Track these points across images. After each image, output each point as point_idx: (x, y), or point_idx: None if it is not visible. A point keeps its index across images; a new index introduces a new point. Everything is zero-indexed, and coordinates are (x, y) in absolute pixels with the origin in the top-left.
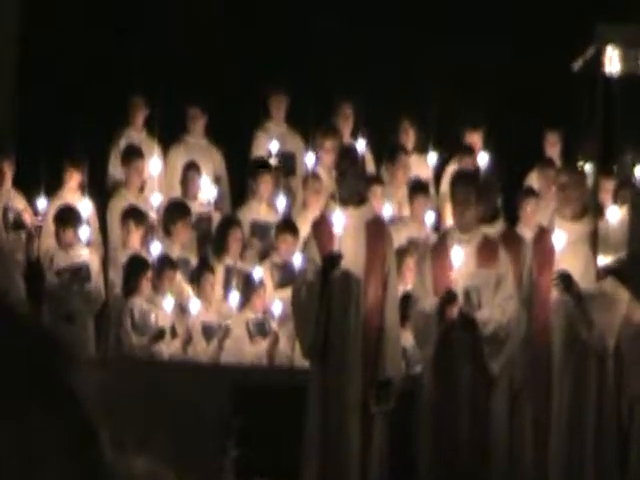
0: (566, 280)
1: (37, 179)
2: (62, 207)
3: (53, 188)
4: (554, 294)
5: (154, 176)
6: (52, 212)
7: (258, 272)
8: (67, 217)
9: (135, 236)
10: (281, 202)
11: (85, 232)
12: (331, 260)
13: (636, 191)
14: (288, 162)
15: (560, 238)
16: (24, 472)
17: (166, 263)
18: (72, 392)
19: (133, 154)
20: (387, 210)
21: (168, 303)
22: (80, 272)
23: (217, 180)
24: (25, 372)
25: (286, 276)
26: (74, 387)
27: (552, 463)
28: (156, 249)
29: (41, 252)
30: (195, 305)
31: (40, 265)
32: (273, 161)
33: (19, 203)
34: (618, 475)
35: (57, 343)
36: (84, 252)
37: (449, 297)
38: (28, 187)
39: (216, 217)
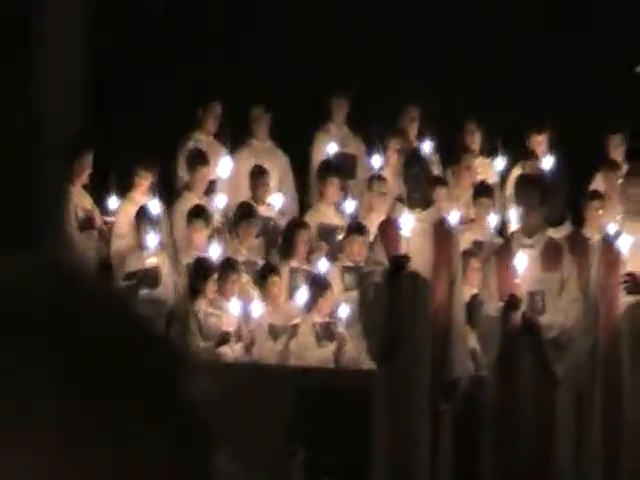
0: (635, 281)
1: (107, 179)
2: (139, 209)
3: (123, 189)
4: (622, 296)
5: (222, 178)
6: (123, 213)
7: (326, 274)
8: (142, 219)
9: (201, 236)
10: (349, 205)
11: (156, 236)
12: (400, 262)
13: None
14: (348, 164)
15: (626, 241)
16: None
17: (231, 266)
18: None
19: (198, 158)
20: (454, 213)
21: (234, 306)
22: (149, 275)
23: (283, 183)
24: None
25: (356, 279)
26: (189, 395)
27: (622, 469)
28: (216, 252)
29: (112, 252)
30: (257, 308)
31: (110, 265)
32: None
33: (87, 203)
34: None
35: (176, 351)
36: (155, 256)
37: (513, 302)
38: (98, 187)
39: (282, 222)
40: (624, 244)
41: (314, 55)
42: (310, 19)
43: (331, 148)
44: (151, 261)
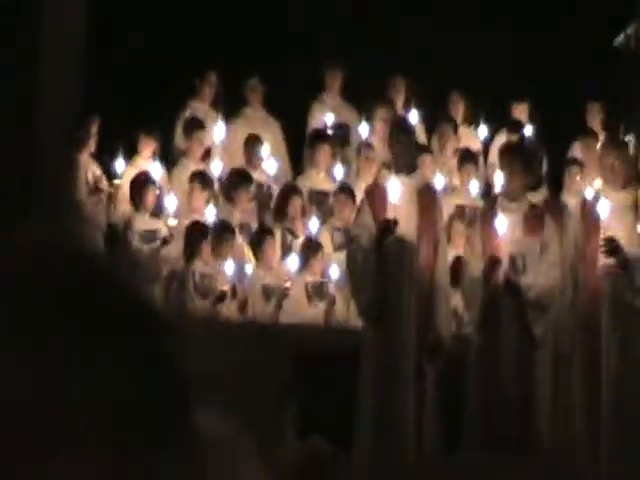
0: (613, 246)
1: (114, 145)
2: (139, 173)
3: (129, 156)
4: (601, 260)
5: (217, 145)
6: (128, 177)
7: (317, 235)
8: (144, 182)
9: (200, 199)
10: (338, 171)
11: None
12: (387, 226)
13: None
14: (343, 133)
15: (605, 206)
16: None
17: (225, 228)
18: (169, 358)
19: (195, 125)
20: (438, 179)
21: (229, 266)
22: (155, 236)
23: (276, 150)
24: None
25: (346, 239)
26: (171, 353)
27: (603, 422)
28: (212, 214)
29: (118, 213)
30: (253, 267)
31: (118, 227)
32: (329, 132)
33: (95, 169)
34: None
35: (153, 310)
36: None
37: (493, 263)
38: (105, 153)
39: (275, 187)
40: (603, 209)
41: (310, 27)
42: None
43: (328, 118)
44: (172, 223)
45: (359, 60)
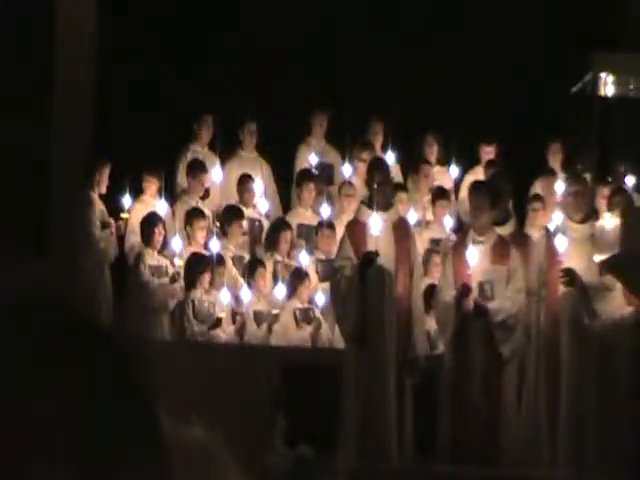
0: (571, 275)
1: (122, 184)
2: (148, 213)
3: (135, 193)
4: (562, 287)
5: (216, 184)
6: (135, 213)
7: (305, 266)
8: (153, 222)
9: (199, 233)
10: (323, 207)
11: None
12: (369, 257)
13: (628, 198)
14: (327, 172)
15: (564, 238)
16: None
17: (218, 261)
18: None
19: (197, 167)
20: (412, 214)
21: (224, 295)
22: (162, 271)
23: (267, 188)
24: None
25: (329, 270)
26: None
27: (563, 430)
28: (215, 247)
29: (126, 248)
30: (246, 295)
31: (126, 259)
32: (314, 172)
33: (103, 209)
34: (616, 439)
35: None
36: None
37: (464, 290)
38: (114, 191)
39: (266, 222)
40: (562, 241)
41: (296, 76)
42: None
43: (312, 159)
44: (178, 262)
45: (341, 106)
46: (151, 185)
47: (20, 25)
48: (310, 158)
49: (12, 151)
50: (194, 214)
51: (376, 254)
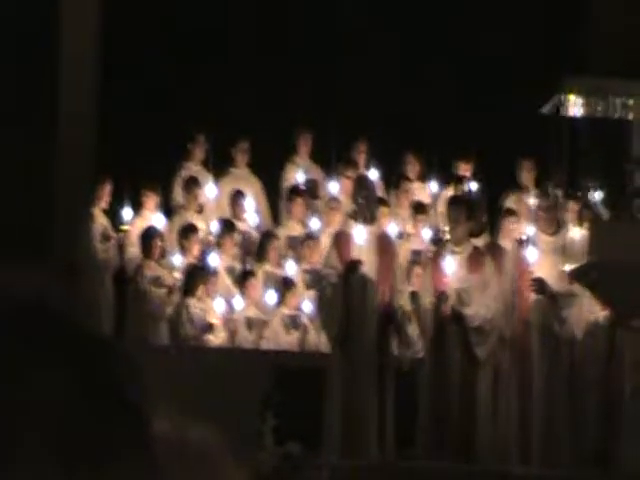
0: (541, 284)
1: (122, 199)
2: (147, 227)
3: (135, 207)
4: (532, 295)
5: (210, 200)
6: (134, 227)
7: (292, 275)
8: (151, 236)
9: (194, 247)
10: (313, 222)
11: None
12: (353, 266)
13: (595, 212)
14: (313, 188)
15: (535, 250)
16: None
17: (211, 271)
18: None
19: (192, 183)
20: (392, 227)
21: (218, 303)
22: (160, 281)
23: (257, 203)
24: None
25: (314, 278)
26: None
27: (534, 429)
28: (213, 259)
29: (126, 259)
30: (239, 303)
31: (126, 270)
32: (302, 187)
33: (104, 223)
34: (582, 436)
35: (103, 342)
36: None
37: (442, 297)
38: (114, 205)
39: (257, 235)
40: (533, 252)
41: (283, 100)
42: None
43: (300, 176)
44: (177, 275)
45: (326, 127)
46: (150, 200)
47: (24, 45)
48: (297, 176)
49: (18, 166)
50: (189, 229)
51: (359, 262)
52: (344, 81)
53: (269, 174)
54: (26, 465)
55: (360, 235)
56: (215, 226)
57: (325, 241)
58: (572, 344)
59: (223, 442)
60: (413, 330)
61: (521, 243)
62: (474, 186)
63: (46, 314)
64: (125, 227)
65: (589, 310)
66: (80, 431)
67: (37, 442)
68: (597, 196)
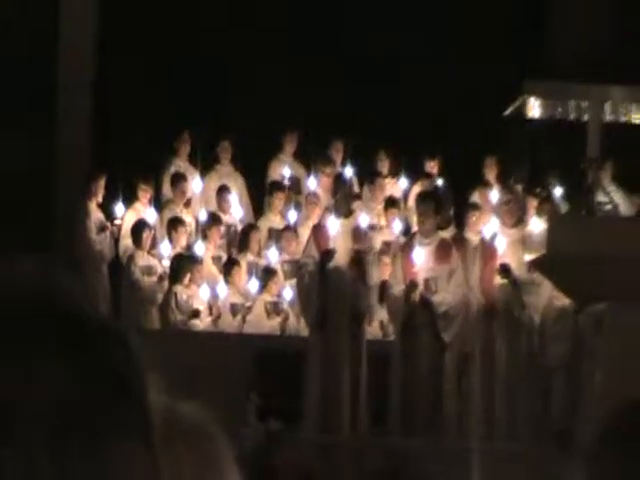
0: (506, 270)
1: (115, 193)
2: (138, 220)
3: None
4: (497, 282)
5: (196, 195)
6: (128, 219)
7: (273, 264)
8: (142, 228)
9: (182, 238)
10: (291, 214)
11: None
12: (327, 254)
13: (554, 206)
14: (296, 184)
15: (501, 241)
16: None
17: (197, 260)
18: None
19: (180, 179)
20: (365, 219)
21: (203, 290)
22: (151, 270)
23: (241, 197)
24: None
25: (293, 268)
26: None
27: (497, 408)
28: (199, 249)
29: (120, 250)
30: (222, 290)
31: (120, 260)
32: (287, 182)
33: (100, 216)
34: (543, 414)
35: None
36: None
37: (411, 285)
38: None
39: (241, 227)
40: (500, 243)
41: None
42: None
43: (286, 171)
44: (165, 264)
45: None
46: (145, 193)
47: (22, 51)
48: (284, 171)
49: (21, 165)
50: (176, 221)
51: (333, 252)
52: (323, 86)
53: (254, 171)
54: (20, 449)
55: (334, 228)
56: (202, 218)
57: (305, 233)
58: (531, 329)
59: (212, 418)
60: (384, 316)
61: (485, 235)
62: (441, 182)
63: (48, 301)
64: (118, 221)
65: (555, 296)
66: (77, 414)
67: (32, 426)
68: (557, 191)
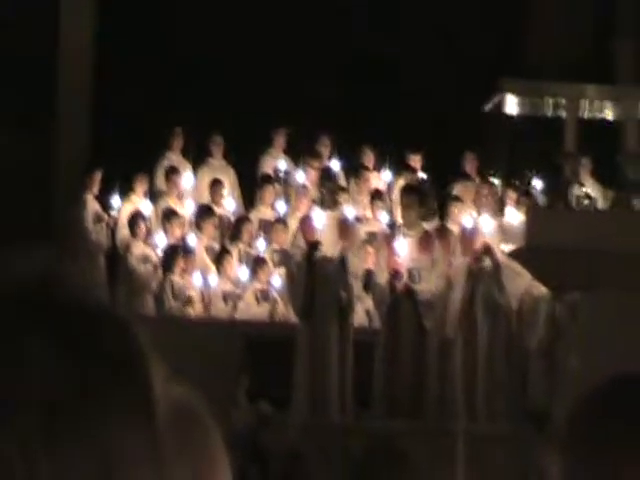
0: (488, 249)
1: (112, 186)
2: (133, 211)
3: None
4: (477, 266)
5: (188, 188)
6: (124, 211)
7: (263, 253)
8: (138, 218)
9: (176, 229)
10: (280, 206)
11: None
12: (314, 245)
13: (532, 199)
14: (287, 177)
15: (486, 229)
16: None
17: (190, 250)
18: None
19: (173, 172)
20: (351, 211)
21: (196, 278)
22: (147, 259)
23: (232, 190)
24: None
25: (282, 258)
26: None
27: (479, 390)
28: (192, 239)
29: (117, 240)
30: (214, 278)
31: (117, 249)
32: (281, 175)
33: (97, 208)
34: (522, 397)
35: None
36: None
37: (395, 275)
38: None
39: (233, 218)
40: (487, 228)
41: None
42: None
43: (282, 165)
44: (160, 253)
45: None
46: (142, 185)
47: (23, 50)
48: (280, 165)
49: (23, 158)
50: (170, 213)
51: (319, 243)
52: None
53: (246, 164)
54: (14, 435)
55: (320, 219)
56: (193, 210)
57: (293, 224)
58: (509, 313)
59: (202, 401)
60: (370, 304)
61: (466, 226)
62: (424, 176)
63: (47, 285)
64: (114, 213)
65: (533, 285)
66: (75, 397)
67: (28, 409)
68: (536, 185)
